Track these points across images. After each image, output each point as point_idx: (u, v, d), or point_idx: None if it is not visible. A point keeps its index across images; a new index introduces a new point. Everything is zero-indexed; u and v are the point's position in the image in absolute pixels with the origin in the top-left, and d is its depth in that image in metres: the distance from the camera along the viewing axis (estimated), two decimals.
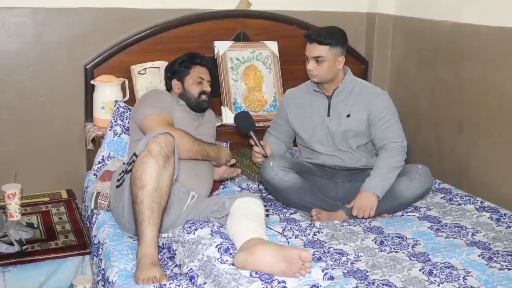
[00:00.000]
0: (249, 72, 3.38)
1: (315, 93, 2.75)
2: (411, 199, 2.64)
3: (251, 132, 2.70)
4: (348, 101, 2.68)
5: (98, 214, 2.50)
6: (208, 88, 2.76)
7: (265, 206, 2.25)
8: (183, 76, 2.76)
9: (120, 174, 2.31)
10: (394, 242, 2.31)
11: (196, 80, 2.74)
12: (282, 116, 2.85)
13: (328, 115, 2.70)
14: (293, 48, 3.46)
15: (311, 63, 2.60)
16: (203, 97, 2.72)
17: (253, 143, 2.69)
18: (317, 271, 1.91)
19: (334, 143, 2.72)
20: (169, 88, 2.82)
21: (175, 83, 2.78)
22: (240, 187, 2.90)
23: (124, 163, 2.46)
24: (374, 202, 2.54)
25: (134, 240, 2.25)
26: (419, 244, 2.30)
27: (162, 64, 3.18)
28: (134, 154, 2.12)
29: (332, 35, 2.60)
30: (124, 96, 3.17)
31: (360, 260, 2.15)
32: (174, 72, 2.81)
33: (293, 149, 3.15)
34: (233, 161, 2.75)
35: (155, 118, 2.46)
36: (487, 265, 2.12)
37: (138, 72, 3.13)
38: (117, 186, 2.30)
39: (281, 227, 2.43)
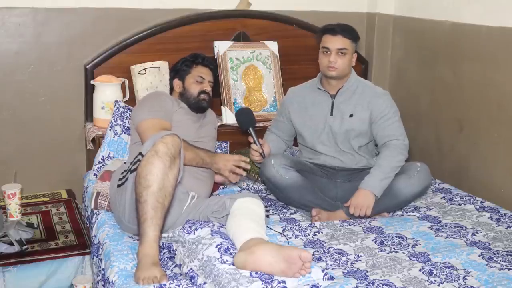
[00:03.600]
0: (249, 72, 3.38)
1: (319, 91, 2.74)
2: (410, 197, 2.64)
3: (250, 129, 2.67)
4: (351, 101, 2.69)
5: (98, 214, 2.50)
6: (208, 88, 2.75)
7: (266, 206, 2.25)
8: (184, 75, 2.78)
9: (122, 173, 2.31)
10: (394, 242, 2.31)
11: (197, 79, 2.74)
12: (284, 114, 2.85)
13: (331, 114, 2.70)
14: (293, 48, 3.47)
15: (333, 55, 2.60)
16: (203, 96, 2.72)
17: (251, 140, 2.68)
18: (317, 271, 1.91)
19: (336, 143, 2.71)
20: (172, 88, 2.83)
21: (176, 82, 2.80)
22: (240, 187, 2.90)
23: (125, 163, 2.46)
24: (371, 201, 2.54)
25: (134, 240, 2.25)
26: (419, 244, 2.30)
27: (162, 64, 3.18)
28: (140, 153, 2.12)
29: (352, 31, 2.67)
30: (124, 96, 3.17)
31: (360, 260, 2.15)
32: (176, 72, 2.83)
33: (293, 149, 3.15)
34: (241, 171, 2.51)
35: (150, 123, 2.46)
36: (487, 265, 2.12)
37: (138, 72, 3.13)
38: (119, 185, 2.30)
39: (281, 227, 2.43)
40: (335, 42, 2.61)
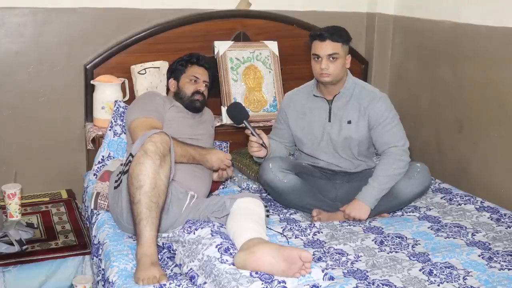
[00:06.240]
0: (249, 72, 3.38)
1: (315, 98, 2.69)
2: (410, 198, 2.63)
3: (245, 122, 2.58)
4: (348, 106, 2.64)
5: (98, 214, 2.50)
6: (202, 88, 2.74)
7: (265, 206, 2.24)
8: (179, 75, 2.77)
9: (117, 175, 2.31)
10: (394, 242, 2.31)
11: (191, 79, 2.74)
12: (283, 120, 2.79)
13: (329, 120, 2.66)
14: (293, 48, 3.47)
15: (324, 61, 2.53)
16: (197, 96, 2.71)
17: (248, 132, 2.58)
18: (317, 271, 1.91)
19: (336, 150, 2.68)
20: (168, 88, 2.83)
21: (171, 82, 2.80)
22: (240, 187, 2.89)
23: (121, 164, 2.46)
24: (365, 214, 2.53)
25: (134, 240, 2.24)
26: (419, 244, 2.30)
27: (162, 64, 3.18)
28: (131, 154, 2.12)
29: (342, 33, 2.58)
30: (124, 96, 3.17)
31: (360, 260, 2.15)
32: (172, 72, 2.83)
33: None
34: (228, 162, 2.58)
35: (139, 122, 2.45)
36: (487, 265, 2.12)
37: (138, 72, 3.13)
38: (115, 187, 2.30)
39: (281, 227, 2.43)
40: (324, 48, 2.53)
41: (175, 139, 2.39)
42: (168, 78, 2.85)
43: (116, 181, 2.30)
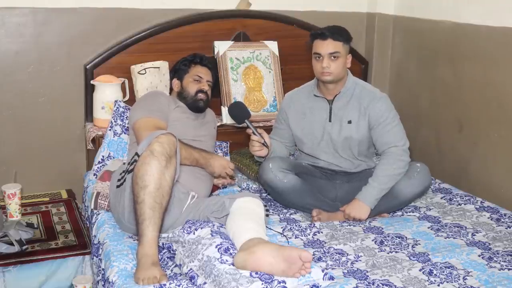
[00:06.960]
0: (249, 72, 3.38)
1: (316, 98, 2.70)
2: (410, 198, 2.63)
3: (246, 121, 2.59)
4: (349, 106, 2.64)
5: (98, 214, 2.50)
6: (205, 87, 2.75)
7: (265, 206, 2.24)
8: (183, 74, 2.78)
9: (121, 174, 2.31)
10: (394, 242, 2.31)
11: (194, 78, 2.74)
12: (283, 120, 2.79)
13: (330, 120, 2.67)
14: (293, 48, 3.47)
15: (326, 60, 2.53)
16: (200, 95, 2.71)
17: (250, 132, 2.59)
18: (317, 271, 1.91)
19: (336, 150, 2.69)
20: (171, 88, 2.84)
21: (175, 82, 2.81)
22: (240, 187, 2.89)
23: (124, 163, 2.46)
24: (365, 214, 2.53)
25: (134, 240, 2.25)
26: (419, 244, 2.30)
27: (162, 64, 3.18)
28: (136, 153, 2.12)
29: (343, 32, 2.59)
30: (124, 96, 3.17)
31: (360, 260, 2.15)
32: (175, 72, 2.84)
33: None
34: (229, 171, 2.55)
35: (144, 122, 2.45)
36: (487, 265, 2.12)
37: (138, 72, 3.13)
38: (118, 186, 2.30)
39: (281, 227, 2.43)
40: (326, 47, 2.53)
41: (180, 141, 2.39)
42: (171, 78, 2.86)
43: (119, 180, 2.30)
